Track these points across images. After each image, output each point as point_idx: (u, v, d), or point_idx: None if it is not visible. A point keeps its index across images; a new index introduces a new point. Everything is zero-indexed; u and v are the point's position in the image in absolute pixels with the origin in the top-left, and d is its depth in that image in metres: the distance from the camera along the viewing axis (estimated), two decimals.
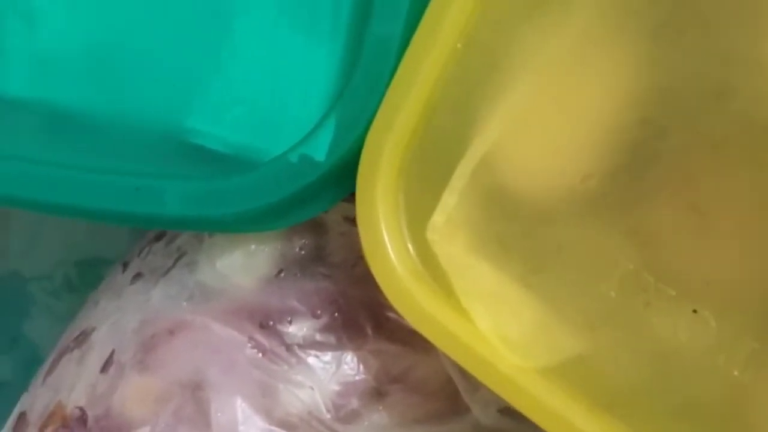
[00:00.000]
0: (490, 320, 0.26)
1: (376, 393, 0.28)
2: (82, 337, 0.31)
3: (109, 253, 0.40)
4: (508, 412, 0.28)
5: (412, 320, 0.26)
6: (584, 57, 0.25)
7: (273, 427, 0.27)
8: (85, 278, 0.41)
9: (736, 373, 0.23)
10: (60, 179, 0.28)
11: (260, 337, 0.28)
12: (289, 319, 0.28)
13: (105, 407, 0.28)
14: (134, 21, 0.28)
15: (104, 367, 0.29)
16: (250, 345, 0.28)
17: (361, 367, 0.28)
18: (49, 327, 0.41)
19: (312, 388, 0.28)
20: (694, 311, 0.24)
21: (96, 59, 0.28)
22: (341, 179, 0.27)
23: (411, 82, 0.26)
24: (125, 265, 0.32)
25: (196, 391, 0.27)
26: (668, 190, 0.24)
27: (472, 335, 0.25)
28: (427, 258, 0.26)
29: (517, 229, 0.25)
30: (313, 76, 0.27)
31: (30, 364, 0.41)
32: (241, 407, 0.27)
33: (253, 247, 0.29)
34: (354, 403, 0.28)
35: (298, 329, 0.28)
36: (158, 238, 0.31)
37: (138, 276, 0.31)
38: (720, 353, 0.23)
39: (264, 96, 0.28)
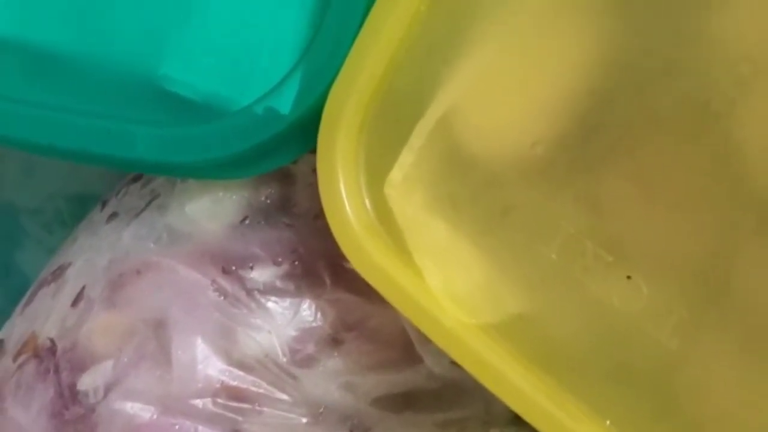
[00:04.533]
0: (439, 277, 0.26)
1: (332, 340, 0.29)
2: (59, 272, 0.32)
3: (99, 189, 0.41)
4: None
5: (364, 272, 0.27)
6: (542, 28, 0.25)
7: (230, 368, 0.28)
8: (75, 213, 0.42)
9: (665, 339, 0.24)
10: (36, 119, 0.29)
11: (222, 281, 0.29)
12: (251, 265, 0.29)
13: (72, 340, 0.29)
14: None
15: (75, 302, 0.30)
16: (212, 288, 0.29)
17: (319, 314, 0.29)
18: (41, 259, 0.42)
19: (270, 332, 0.29)
20: (629, 277, 0.24)
21: (77, 3, 0.29)
22: (306, 133, 0.28)
23: (374, 41, 0.27)
24: (104, 204, 0.33)
25: (158, 329, 0.29)
26: (612, 161, 0.25)
27: (421, 290, 0.26)
28: (383, 214, 0.27)
29: (469, 190, 0.26)
30: (282, 31, 0.28)
31: (20, 293, 0.42)
32: (200, 347, 0.28)
33: (221, 194, 0.30)
34: (310, 348, 0.29)
35: (259, 275, 0.29)
36: (135, 179, 0.32)
37: (113, 215, 0.32)
38: (650, 320, 0.24)
39: (234, 48, 0.28)
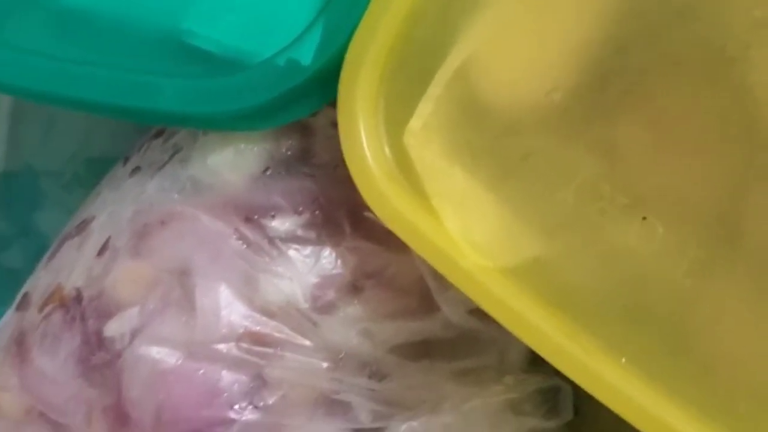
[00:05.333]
0: (458, 221, 0.27)
1: (352, 287, 0.30)
2: (83, 225, 0.33)
3: (117, 151, 0.41)
4: (476, 312, 0.29)
5: (385, 218, 0.27)
6: None
7: (253, 313, 0.29)
8: (94, 175, 0.42)
9: (680, 278, 0.25)
10: (64, 72, 0.29)
11: (245, 230, 0.29)
12: (272, 214, 0.30)
13: (99, 288, 0.30)
14: None
15: (100, 252, 0.31)
16: (235, 236, 0.29)
17: (339, 262, 0.30)
18: (60, 219, 0.43)
19: (291, 280, 0.29)
20: (644, 218, 0.25)
21: None
22: (326, 84, 0.28)
23: None
24: (126, 160, 0.34)
25: (182, 277, 0.29)
26: (628, 106, 0.25)
27: (440, 235, 0.27)
28: (402, 161, 0.28)
29: (487, 138, 0.27)
30: None
31: (40, 253, 0.43)
32: (224, 293, 0.29)
33: (242, 145, 0.30)
34: (330, 295, 0.29)
35: (280, 224, 0.30)
36: (157, 135, 0.33)
37: (136, 170, 0.33)
38: (665, 260, 0.25)
39: (255, 2, 0.29)
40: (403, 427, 0.30)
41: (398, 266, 0.30)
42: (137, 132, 0.40)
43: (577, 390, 0.29)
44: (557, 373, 0.26)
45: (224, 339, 0.29)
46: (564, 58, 0.26)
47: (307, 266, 0.29)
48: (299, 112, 0.29)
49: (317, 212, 0.30)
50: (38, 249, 0.43)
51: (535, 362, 0.31)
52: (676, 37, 0.25)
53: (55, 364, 0.30)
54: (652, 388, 0.25)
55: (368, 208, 0.28)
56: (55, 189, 0.43)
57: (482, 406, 0.31)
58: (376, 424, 0.30)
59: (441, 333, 0.31)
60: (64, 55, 0.29)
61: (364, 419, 0.30)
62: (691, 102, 0.25)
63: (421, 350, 0.31)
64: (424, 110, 0.27)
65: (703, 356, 0.25)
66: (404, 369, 0.30)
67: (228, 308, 0.29)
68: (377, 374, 0.30)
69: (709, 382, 0.25)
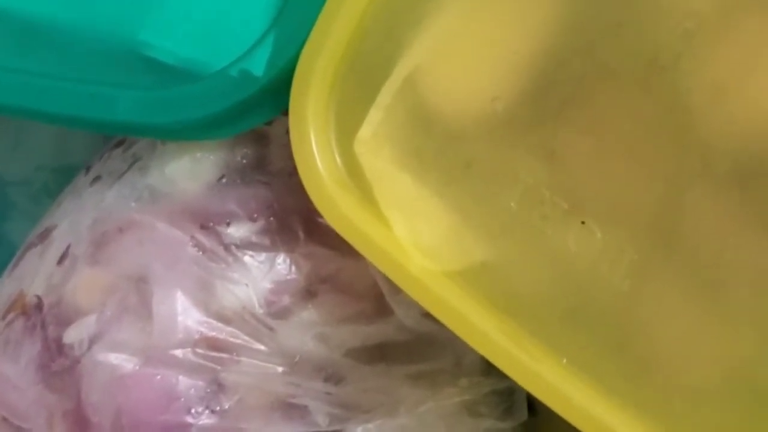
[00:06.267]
0: (406, 227, 0.28)
1: (307, 292, 0.30)
2: (45, 233, 0.33)
3: (83, 160, 0.42)
4: (430, 316, 0.30)
5: (335, 225, 0.28)
6: None
7: (209, 319, 0.30)
8: (61, 184, 0.43)
9: (618, 281, 0.26)
10: (21, 85, 0.30)
11: (201, 237, 0.30)
12: (228, 221, 0.30)
13: (58, 296, 0.31)
14: None
15: (60, 260, 0.31)
16: (191, 244, 0.30)
17: (293, 267, 0.30)
18: (28, 229, 0.43)
19: (247, 285, 0.30)
20: (583, 223, 0.26)
21: None
22: (279, 94, 0.29)
23: (342, 4, 0.28)
24: (88, 169, 0.34)
25: (140, 284, 0.30)
26: (567, 114, 0.26)
27: (389, 240, 0.28)
28: (353, 169, 0.28)
29: (434, 145, 0.28)
30: None
31: (8, 263, 0.43)
32: (180, 299, 0.30)
33: (199, 154, 0.31)
34: (285, 300, 0.30)
35: (235, 231, 0.30)
36: (118, 144, 0.34)
37: (97, 179, 0.33)
38: (604, 262, 0.26)
39: (209, 14, 0.30)
40: (359, 429, 0.30)
41: (352, 271, 0.30)
42: (104, 142, 0.41)
43: None
44: None
45: (181, 344, 0.29)
46: (506, 69, 0.27)
47: (262, 272, 0.30)
48: (253, 121, 0.30)
49: (272, 219, 0.30)
50: (7, 259, 0.43)
51: (492, 364, 0.32)
52: (611, 48, 0.25)
53: (16, 370, 0.31)
54: (592, 388, 0.25)
55: (321, 214, 0.29)
56: (24, 199, 0.44)
57: (437, 408, 0.31)
58: (333, 427, 0.30)
59: (396, 336, 0.31)
60: (21, 67, 0.30)
61: (321, 422, 0.30)
62: (627, 109, 0.25)
63: (377, 354, 0.31)
64: (374, 119, 0.28)
65: (640, 356, 0.26)
66: (360, 372, 0.31)
67: (184, 314, 0.30)
68: (333, 378, 0.31)
69: (647, 382, 0.25)
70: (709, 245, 0.25)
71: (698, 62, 0.25)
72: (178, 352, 0.29)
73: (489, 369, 0.33)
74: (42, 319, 0.31)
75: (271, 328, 0.30)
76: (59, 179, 0.43)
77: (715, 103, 0.24)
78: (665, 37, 0.25)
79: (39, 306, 0.31)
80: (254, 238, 0.30)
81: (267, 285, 0.30)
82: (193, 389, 0.29)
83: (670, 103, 0.25)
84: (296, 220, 0.30)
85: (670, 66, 0.25)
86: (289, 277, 0.30)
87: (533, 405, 0.33)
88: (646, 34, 0.25)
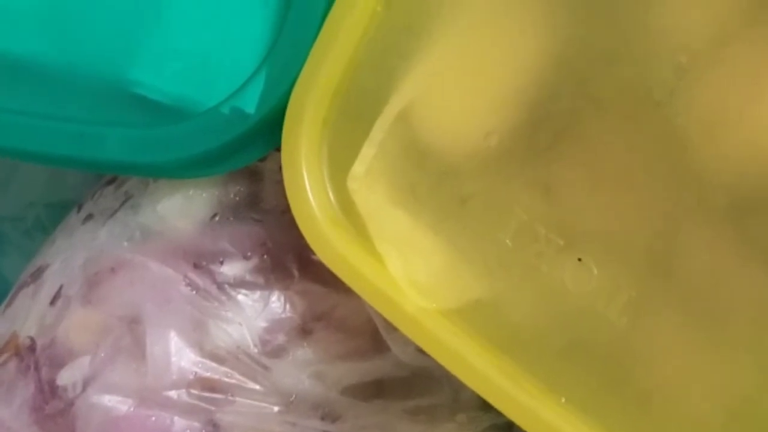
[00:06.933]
0: (401, 264, 0.28)
1: (302, 330, 0.30)
2: (38, 273, 0.33)
3: (77, 196, 0.42)
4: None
5: (329, 262, 0.28)
6: (492, 27, 0.27)
7: (203, 359, 0.29)
8: (54, 220, 0.42)
9: (615, 317, 0.25)
10: (9, 124, 0.30)
11: (194, 276, 0.30)
12: (221, 259, 0.30)
13: (51, 337, 0.30)
14: None
15: (53, 300, 0.31)
16: (184, 283, 0.30)
17: (288, 305, 0.30)
18: (22, 265, 0.43)
19: (241, 324, 0.30)
20: (580, 260, 0.26)
21: (48, 12, 0.30)
22: (271, 131, 0.29)
23: (333, 41, 0.28)
24: (80, 207, 0.34)
25: (133, 325, 0.30)
26: (561, 148, 0.26)
27: (384, 278, 0.27)
28: (346, 206, 0.28)
29: (428, 181, 0.27)
30: (245, 34, 0.29)
31: (2, 299, 0.43)
32: (174, 340, 0.29)
33: (191, 192, 0.31)
34: (280, 338, 0.30)
35: (229, 269, 0.30)
36: (110, 182, 0.34)
37: (89, 217, 0.33)
38: (601, 299, 0.25)
39: (200, 51, 0.29)
40: None
41: (347, 307, 0.30)
42: (97, 178, 0.40)
43: None
44: None
45: (175, 385, 0.29)
46: (499, 103, 0.26)
47: (256, 311, 0.30)
48: (245, 159, 0.30)
49: (265, 257, 0.30)
50: (1, 295, 0.43)
51: None
52: (603, 82, 0.25)
53: (10, 413, 0.31)
54: (591, 426, 0.25)
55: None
56: (17, 235, 0.43)
57: None
58: None
59: (393, 372, 0.31)
60: (8, 106, 0.30)
61: None
62: (621, 144, 0.25)
63: (374, 390, 0.31)
64: (367, 155, 0.28)
65: (639, 392, 0.25)
66: (357, 409, 0.31)
67: (178, 355, 0.29)
68: (330, 416, 0.30)
69: (646, 418, 0.25)
70: (706, 280, 0.25)
71: (692, 97, 0.24)
72: (173, 393, 0.29)
73: (487, 403, 0.32)
74: (35, 360, 0.31)
75: (266, 367, 0.30)
76: (52, 215, 0.43)
77: (710, 139, 0.24)
78: (658, 71, 0.24)
79: (32, 347, 0.31)
80: (248, 277, 0.30)
81: (261, 324, 0.30)
82: (188, 430, 0.29)
83: (665, 138, 0.25)
84: (290, 257, 0.30)
85: (664, 101, 0.24)
86: (283, 316, 0.30)
87: None
88: (639, 68, 0.25)
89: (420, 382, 0.31)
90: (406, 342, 0.30)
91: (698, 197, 0.24)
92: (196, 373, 0.29)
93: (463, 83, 0.27)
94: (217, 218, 0.31)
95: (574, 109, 0.26)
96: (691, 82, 0.24)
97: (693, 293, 0.25)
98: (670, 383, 0.25)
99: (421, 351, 0.30)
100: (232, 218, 0.31)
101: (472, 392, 0.32)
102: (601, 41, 0.25)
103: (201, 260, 0.30)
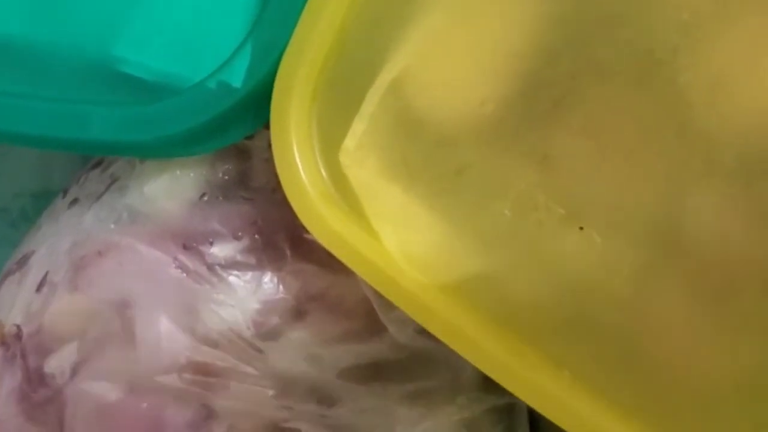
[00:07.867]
0: (396, 240, 0.27)
1: (296, 311, 0.29)
2: (23, 260, 0.32)
3: (62, 184, 0.41)
4: (424, 332, 0.29)
5: (323, 240, 0.27)
6: None
7: (196, 343, 0.29)
8: (40, 210, 0.42)
9: (619, 287, 0.24)
10: None
11: (184, 258, 0.29)
12: (211, 240, 0.29)
13: (37, 324, 0.30)
14: None
15: (39, 287, 0.30)
16: (174, 265, 0.29)
17: (281, 286, 0.29)
18: (7, 256, 0.42)
19: (233, 307, 0.29)
20: (581, 229, 0.25)
21: None
22: (259, 106, 0.28)
23: (322, 10, 0.27)
24: (65, 192, 0.33)
25: (122, 309, 0.29)
26: (560, 115, 0.25)
27: (379, 254, 0.27)
28: (339, 181, 0.27)
29: (422, 153, 0.27)
30: (231, 6, 0.28)
31: None
32: (164, 324, 0.29)
33: (178, 172, 0.30)
34: (274, 320, 0.29)
35: (219, 250, 0.29)
36: (96, 165, 0.33)
37: (75, 201, 0.32)
38: (605, 268, 0.25)
39: (184, 26, 0.29)
40: None
41: (342, 287, 0.29)
42: (83, 165, 0.40)
43: None
44: None
45: (167, 370, 0.28)
46: (494, 70, 0.26)
47: (248, 292, 0.29)
48: (233, 135, 0.29)
49: (257, 236, 0.29)
50: None
51: (491, 380, 0.31)
52: (604, 43, 0.24)
53: None
54: (596, 399, 0.24)
55: (308, 230, 0.28)
56: (3, 226, 0.43)
57: (435, 428, 0.30)
58: None
59: (391, 354, 0.30)
60: None
61: None
62: (623, 108, 0.24)
63: (371, 373, 0.30)
64: (358, 128, 0.27)
65: (645, 365, 0.25)
66: (354, 393, 0.30)
67: (169, 339, 0.28)
68: (327, 400, 0.30)
69: (652, 391, 0.24)
70: (713, 247, 0.24)
71: (697, 55, 0.23)
72: (165, 379, 0.28)
73: (488, 385, 0.32)
74: (22, 348, 0.30)
75: (260, 351, 0.29)
76: (38, 205, 0.42)
77: (715, 98, 0.23)
78: (661, 29, 0.24)
79: (18, 335, 0.30)
80: (239, 257, 0.29)
81: (254, 305, 0.29)
82: (181, 416, 0.28)
83: (669, 99, 0.24)
84: (282, 236, 0.29)
85: (668, 60, 0.24)
86: (277, 297, 0.29)
87: (535, 422, 0.32)
88: (641, 27, 0.24)
89: (418, 364, 0.31)
90: (404, 323, 0.29)
91: (705, 159, 0.24)
92: (188, 357, 0.28)
93: (456, 50, 0.26)
94: (205, 198, 0.30)
95: (574, 74, 0.25)
96: (696, 40, 0.23)
97: (700, 261, 0.24)
98: (677, 356, 0.24)
99: (419, 332, 0.30)
100: (221, 197, 0.30)
101: (472, 373, 0.32)
102: (600, 1, 0.25)
103: (190, 241, 0.29)
